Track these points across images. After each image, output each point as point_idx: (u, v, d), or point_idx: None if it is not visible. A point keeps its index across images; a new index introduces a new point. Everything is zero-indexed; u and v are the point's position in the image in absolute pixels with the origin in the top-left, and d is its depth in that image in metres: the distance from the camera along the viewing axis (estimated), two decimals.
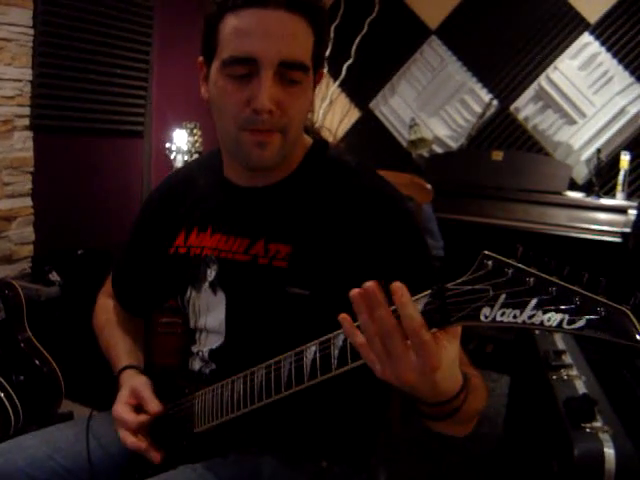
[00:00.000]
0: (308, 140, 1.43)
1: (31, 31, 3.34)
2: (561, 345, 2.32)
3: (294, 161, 1.38)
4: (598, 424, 1.70)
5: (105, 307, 1.67)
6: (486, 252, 0.83)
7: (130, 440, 1.32)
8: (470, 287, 0.84)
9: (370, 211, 1.29)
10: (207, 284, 1.39)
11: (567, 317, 0.76)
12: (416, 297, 0.90)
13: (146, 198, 1.66)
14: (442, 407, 0.99)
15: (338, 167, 1.39)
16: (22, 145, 3.38)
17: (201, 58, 1.30)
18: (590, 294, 0.75)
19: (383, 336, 0.89)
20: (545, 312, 0.77)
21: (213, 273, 1.38)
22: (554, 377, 2.04)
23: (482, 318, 0.82)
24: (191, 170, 1.61)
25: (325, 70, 1.38)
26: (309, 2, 1.20)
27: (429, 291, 0.89)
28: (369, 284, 0.89)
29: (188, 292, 1.44)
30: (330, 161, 1.41)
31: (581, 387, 1.96)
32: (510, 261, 0.81)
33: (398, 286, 0.87)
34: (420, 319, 0.87)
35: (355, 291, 0.90)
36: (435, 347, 0.88)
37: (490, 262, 0.83)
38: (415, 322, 0.86)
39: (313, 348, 1.05)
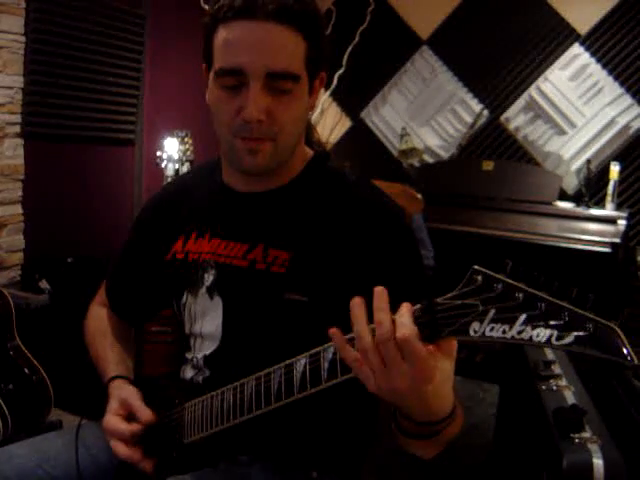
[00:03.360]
0: (309, 151, 1.44)
1: (23, 38, 3.33)
2: (551, 355, 2.31)
3: (294, 169, 1.39)
4: (587, 435, 1.70)
5: (97, 316, 1.66)
6: (476, 267, 0.84)
7: (123, 450, 1.31)
8: (460, 302, 0.85)
9: (369, 222, 1.30)
10: (204, 289, 1.40)
11: (556, 333, 0.76)
12: None
13: (143, 205, 1.66)
14: (428, 427, 1.01)
15: (338, 178, 1.41)
16: (13, 152, 3.37)
17: (204, 65, 1.32)
18: (579, 310, 0.76)
19: (380, 343, 0.90)
20: (534, 328, 0.78)
21: (210, 278, 1.39)
22: (543, 387, 2.03)
23: (471, 333, 0.83)
24: (190, 177, 1.63)
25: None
26: (299, 11, 1.21)
27: (419, 305, 0.90)
28: (379, 289, 0.91)
29: (184, 297, 1.44)
30: (330, 172, 1.42)
31: (570, 397, 1.95)
32: (499, 276, 0.82)
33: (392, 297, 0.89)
34: (413, 328, 0.88)
35: (357, 298, 0.92)
36: (429, 358, 0.89)
37: (480, 277, 0.84)
38: (408, 331, 0.87)
39: (303, 361, 1.06)
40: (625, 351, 0.74)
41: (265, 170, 1.31)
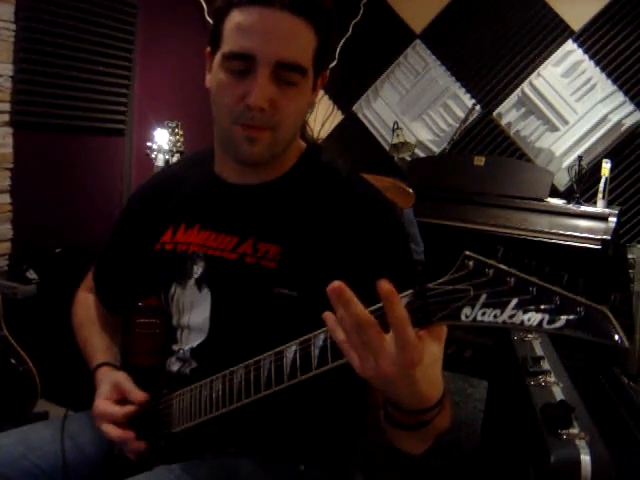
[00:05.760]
0: (302, 144, 1.44)
1: (13, 26, 3.30)
2: (539, 351, 2.32)
3: (287, 163, 1.39)
4: (575, 431, 1.70)
5: (84, 302, 1.66)
6: (467, 252, 0.84)
7: (115, 432, 1.31)
8: (451, 287, 0.85)
9: (360, 216, 1.30)
10: (193, 281, 1.39)
11: (547, 317, 0.76)
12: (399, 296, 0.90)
13: (131, 194, 1.66)
14: (418, 416, 1.00)
15: (330, 172, 1.40)
16: (1, 141, 3.34)
17: (208, 48, 1.31)
18: (570, 294, 0.76)
19: (358, 329, 0.89)
20: (525, 312, 0.78)
21: (199, 270, 1.38)
22: (532, 383, 2.04)
23: (463, 318, 0.83)
24: (180, 167, 1.62)
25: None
26: (315, 6, 1.21)
27: (411, 291, 0.90)
28: (336, 283, 0.90)
29: (172, 288, 1.43)
30: (323, 166, 1.42)
31: (558, 393, 1.96)
32: (491, 261, 0.82)
33: (386, 284, 0.88)
34: (405, 315, 0.87)
35: (329, 287, 0.91)
36: (418, 343, 0.88)
37: (471, 262, 0.84)
38: (400, 318, 0.87)
39: (293, 348, 1.05)
40: (616, 334, 0.74)
41: (260, 160, 1.30)
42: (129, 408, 1.33)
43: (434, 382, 0.98)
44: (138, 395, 1.34)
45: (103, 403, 1.34)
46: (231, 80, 1.23)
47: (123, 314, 1.65)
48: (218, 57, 1.25)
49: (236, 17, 1.20)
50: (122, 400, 1.35)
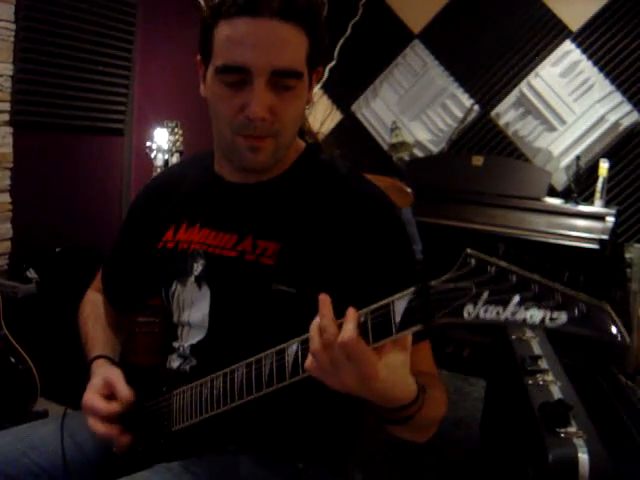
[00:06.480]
0: (301, 143, 1.45)
1: (13, 26, 3.31)
2: (537, 350, 2.32)
3: (286, 162, 1.39)
4: (573, 429, 1.71)
5: (92, 301, 1.67)
6: (469, 250, 0.85)
7: (99, 427, 1.32)
8: (453, 285, 0.86)
9: (358, 213, 1.31)
10: (193, 278, 1.40)
11: (549, 313, 0.77)
12: (400, 294, 0.93)
13: (136, 195, 1.67)
14: (395, 413, 1.05)
15: (329, 170, 1.41)
16: (1, 140, 3.35)
17: (199, 57, 1.31)
18: (571, 291, 0.77)
19: (326, 346, 0.96)
20: (527, 309, 0.79)
21: (199, 268, 1.39)
22: (530, 382, 2.04)
23: (465, 315, 0.84)
24: (182, 167, 1.64)
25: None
26: (303, 8, 1.21)
27: (413, 288, 0.91)
28: (322, 296, 0.98)
29: (173, 286, 1.44)
30: (322, 164, 1.43)
31: (556, 392, 1.96)
32: (492, 259, 0.83)
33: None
34: (355, 333, 0.93)
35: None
36: (371, 357, 0.94)
37: (473, 260, 0.84)
38: (350, 335, 0.93)
39: (294, 347, 1.06)
40: (616, 330, 0.75)
41: (265, 167, 1.32)
42: (114, 406, 1.33)
43: (403, 384, 1.03)
44: (124, 394, 1.34)
45: (91, 397, 1.35)
46: (227, 92, 1.23)
47: (130, 313, 1.66)
48: (211, 70, 1.25)
49: (225, 29, 1.19)
50: (111, 396, 1.36)
